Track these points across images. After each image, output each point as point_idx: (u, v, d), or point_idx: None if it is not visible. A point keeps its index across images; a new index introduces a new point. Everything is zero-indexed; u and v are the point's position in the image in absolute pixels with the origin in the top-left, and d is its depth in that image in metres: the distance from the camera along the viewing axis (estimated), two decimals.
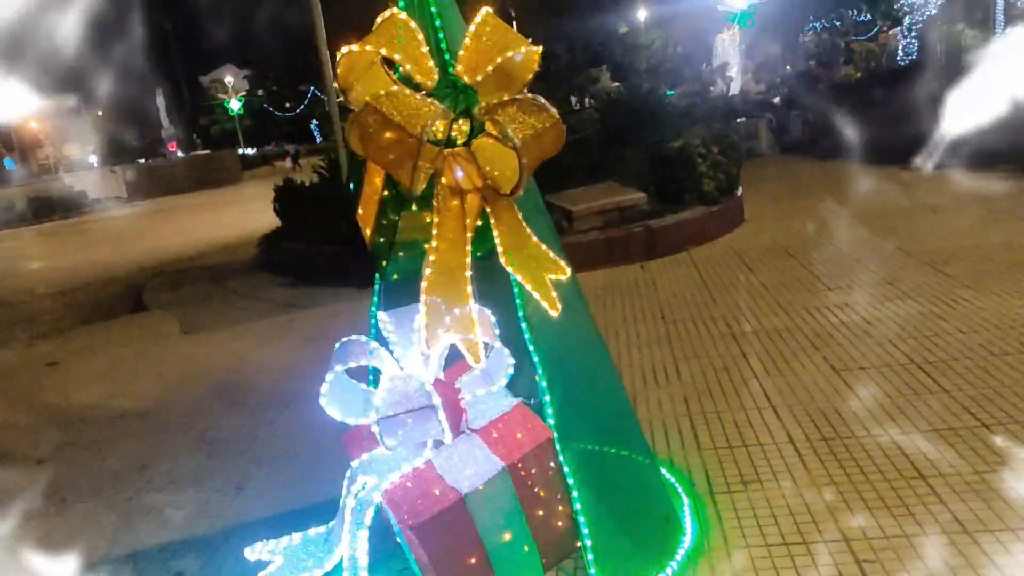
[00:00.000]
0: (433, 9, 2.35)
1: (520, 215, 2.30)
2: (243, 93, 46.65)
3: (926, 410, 3.35)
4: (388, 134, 2.00)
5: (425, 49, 2.16)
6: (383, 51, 2.11)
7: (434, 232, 2.17)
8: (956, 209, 7.55)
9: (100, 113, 48.02)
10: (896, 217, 7.50)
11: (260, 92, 53.20)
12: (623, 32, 33.95)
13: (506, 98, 2.12)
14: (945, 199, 8.12)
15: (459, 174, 2.14)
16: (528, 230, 2.33)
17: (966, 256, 5.74)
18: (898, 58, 22.04)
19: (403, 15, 2.15)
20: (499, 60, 2.14)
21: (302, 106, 51.61)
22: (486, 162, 2.15)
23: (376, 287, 2.64)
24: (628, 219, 7.11)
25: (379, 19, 2.16)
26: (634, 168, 7.76)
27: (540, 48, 2.20)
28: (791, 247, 6.77)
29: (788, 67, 29.89)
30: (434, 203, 2.17)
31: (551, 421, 2.27)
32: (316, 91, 52.21)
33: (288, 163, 35.70)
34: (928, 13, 20.87)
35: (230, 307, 7.75)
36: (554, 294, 2.34)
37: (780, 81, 17.67)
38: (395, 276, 2.49)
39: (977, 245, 6.02)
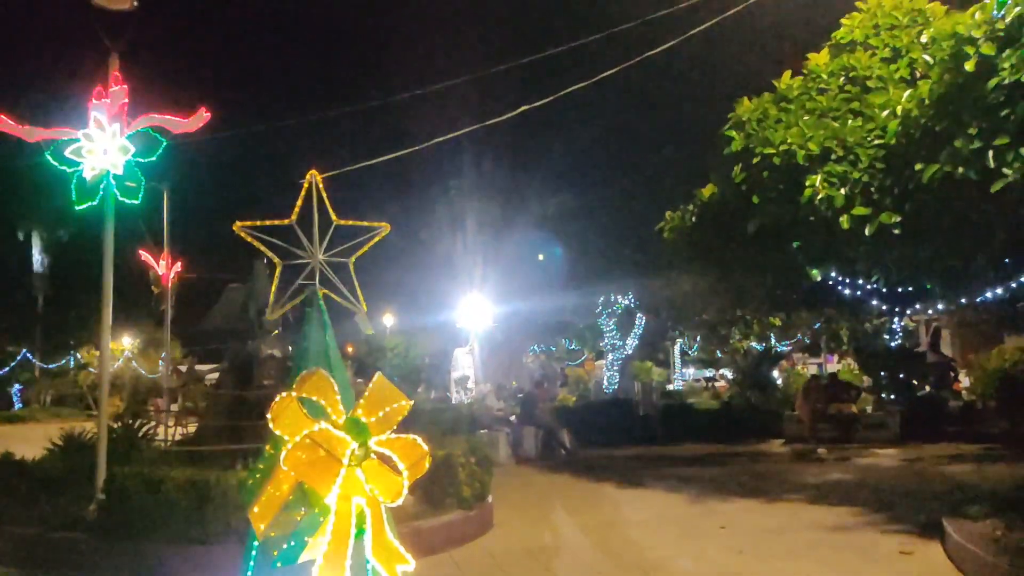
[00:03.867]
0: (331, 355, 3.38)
1: (385, 517, 3.17)
2: None
3: None
4: (316, 457, 2.86)
5: (337, 396, 3.11)
6: (309, 396, 3.03)
7: (329, 528, 2.95)
8: (656, 524, 9.28)
9: None
10: (612, 527, 9.05)
11: None
12: (368, 333, 36.30)
13: (391, 434, 3.10)
14: (648, 514, 9.91)
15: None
16: (388, 528, 3.19)
17: (667, 566, 7.21)
18: (604, 386, 26.16)
19: (324, 372, 3.13)
20: (387, 408, 3.15)
21: (7, 368, 46.47)
22: (371, 479, 3.04)
23: (249, 573, 3.22)
24: (394, 520, 7.83)
25: (305, 373, 3.11)
26: None
27: (412, 402, 3.26)
28: (534, 551, 7.89)
29: (514, 382, 33.63)
30: (331, 507, 2.98)
31: None
32: (27, 353, 47.69)
33: None
34: (626, 352, 25.56)
35: None
36: None
37: (516, 399, 20.18)
38: (279, 564, 3.13)
39: (678, 555, 7.57)
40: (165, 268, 18.89)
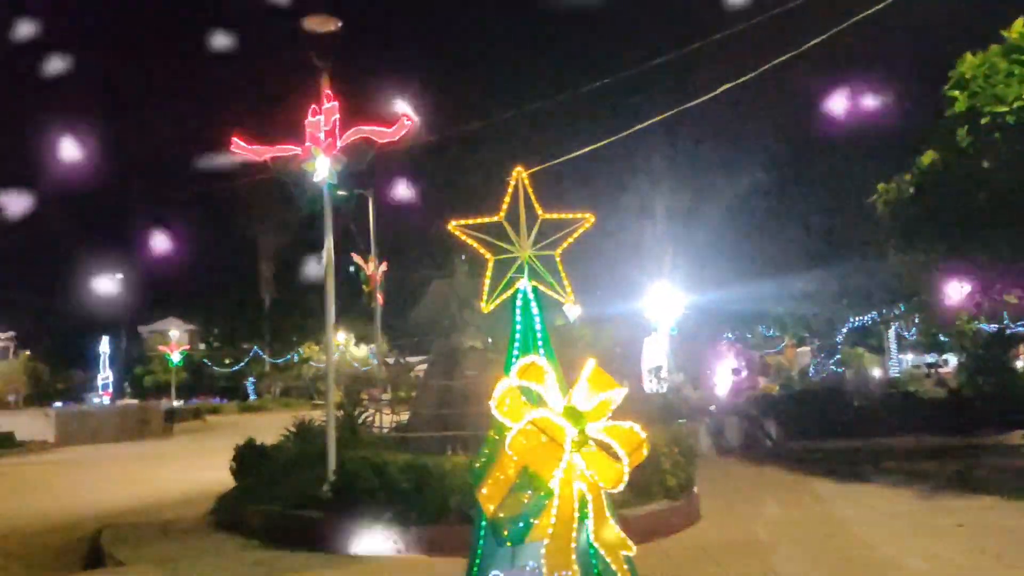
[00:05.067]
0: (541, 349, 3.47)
1: (606, 503, 3.22)
2: (185, 347, 47.36)
3: None
4: (538, 443, 2.97)
5: (555, 384, 3.21)
6: (530, 384, 3.15)
7: (553, 511, 3.05)
8: (881, 520, 8.62)
9: (28, 352, 47.57)
10: (831, 523, 8.53)
11: (202, 346, 54.11)
12: (559, 324, 36.79)
13: (609, 420, 3.15)
14: (870, 511, 9.23)
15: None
16: (609, 514, 3.23)
17: (899, 564, 6.68)
18: (810, 374, 24.71)
19: (542, 361, 3.24)
20: (602, 396, 3.20)
21: (242, 363, 52.35)
22: (591, 465, 3.10)
23: (479, 551, 3.41)
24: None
25: (524, 362, 3.23)
26: None
27: (625, 389, 3.29)
28: (748, 545, 7.63)
29: (708, 371, 32.63)
30: (555, 491, 3.08)
31: None
32: (258, 350, 53.49)
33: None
34: (835, 339, 23.97)
35: (208, 568, 7.87)
36: (626, 566, 3.19)
37: (712, 389, 19.64)
38: (508, 543, 3.28)
39: (909, 553, 7.00)
40: (373, 267, 20.29)
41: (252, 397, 51.97)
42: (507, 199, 3.79)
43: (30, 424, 26.49)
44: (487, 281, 3.77)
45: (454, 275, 11.48)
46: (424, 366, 13.67)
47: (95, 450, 25.00)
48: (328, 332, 10.32)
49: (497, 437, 3.33)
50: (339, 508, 8.51)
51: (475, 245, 3.78)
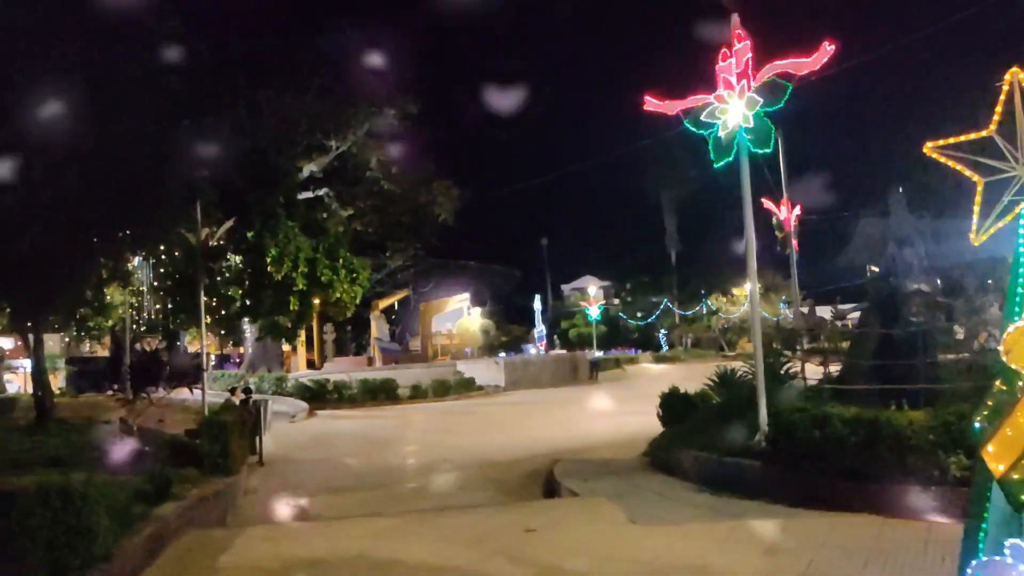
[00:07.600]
0: None
1: None
2: (601, 302, 50.98)
3: None
4: None
5: None
6: None
7: None
8: None
9: (480, 309, 55.77)
10: None
11: (616, 301, 57.80)
12: None
13: None
14: None
15: None
16: None
17: None
18: None
19: None
20: None
21: (653, 316, 54.64)
22: None
23: (985, 517, 2.98)
24: None
25: None
26: None
27: None
28: None
29: None
30: None
31: None
32: (667, 303, 55.25)
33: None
34: None
35: (654, 504, 8.37)
36: None
37: None
38: None
39: None
40: (786, 212, 19.40)
41: (664, 348, 53.98)
42: (999, 108, 3.19)
43: (485, 371, 31.18)
44: (976, 208, 3.24)
45: (889, 211, 10.32)
46: (856, 314, 12.64)
47: (536, 394, 28.46)
48: (751, 283, 10.13)
49: (1005, 388, 2.85)
50: (775, 459, 8.34)
51: (959, 168, 3.27)
